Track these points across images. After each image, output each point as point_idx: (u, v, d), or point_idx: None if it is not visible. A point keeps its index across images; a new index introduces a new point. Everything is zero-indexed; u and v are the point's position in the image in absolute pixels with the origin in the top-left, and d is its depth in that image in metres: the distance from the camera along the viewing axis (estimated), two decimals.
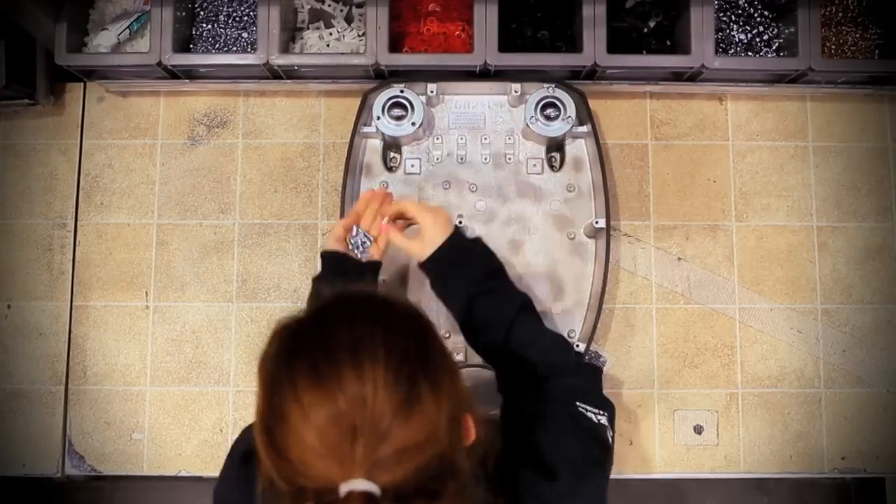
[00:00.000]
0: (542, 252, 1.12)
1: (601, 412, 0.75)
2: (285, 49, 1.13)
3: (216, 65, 1.12)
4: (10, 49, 1.07)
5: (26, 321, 1.15)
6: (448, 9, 1.17)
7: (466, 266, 0.90)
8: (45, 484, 1.19)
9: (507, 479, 0.65)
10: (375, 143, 1.14)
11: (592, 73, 1.12)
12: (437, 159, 1.14)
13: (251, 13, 1.19)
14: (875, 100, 1.19)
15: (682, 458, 1.12)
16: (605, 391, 1.11)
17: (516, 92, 1.12)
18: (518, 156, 1.15)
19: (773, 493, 1.28)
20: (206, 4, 1.20)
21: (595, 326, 1.08)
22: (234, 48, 1.18)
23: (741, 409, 1.13)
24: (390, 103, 1.09)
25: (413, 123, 1.08)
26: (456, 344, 1.09)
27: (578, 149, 1.15)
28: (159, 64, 1.08)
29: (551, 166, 1.15)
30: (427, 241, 0.90)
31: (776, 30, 1.19)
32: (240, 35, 1.19)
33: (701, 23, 1.08)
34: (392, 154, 1.15)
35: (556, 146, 1.15)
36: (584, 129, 1.11)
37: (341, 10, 1.20)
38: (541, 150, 1.15)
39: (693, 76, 1.13)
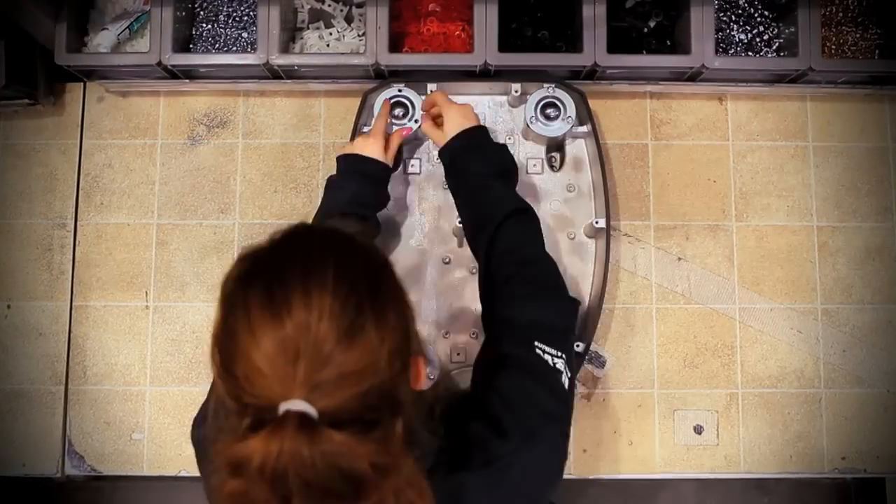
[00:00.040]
0: None
1: (559, 353, 0.75)
2: (285, 49, 1.13)
3: (216, 65, 1.12)
4: (10, 49, 1.07)
5: (26, 321, 1.15)
6: (448, 9, 1.17)
7: (474, 159, 0.94)
8: (44, 484, 1.19)
9: (458, 430, 0.66)
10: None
11: (592, 73, 1.12)
12: (438, 159, 1.14)
13: (251, 13, 1.19)
14: (875, 100, 1.19)
15: (682, 458, 1.12)
16: (605, 391, 1.12)
17: (516, 92, 1.12)
18: (518, 156, 1.15)
19: (773, 494, 1.28)
20: (206, 4, 1.20)
21: (595, 326, 1.08)
22: (234, 48, 1.18)
23: (741, 409, 1.13)
24: (391, 103, 1.09)
25: (416, 121, 1.08)
26: (456, 343, 1.09)
27: (578, 149, 1.15)
28: (159, 64, 1.08)
29: (551, 166, 1.15)
30: (447, 129, 0.97)
31: (776, 30, 1.19)
32: (240, 35, 1.19)
33: (701, 23, 1.08)
34: None
35: (556, 146, 1.15)
36: (584, 129, 1.11)
37: (341, 10, 1.20)
38: (541, 150, 1.15)
39: (693, 76, 1.13)
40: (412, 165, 1.14)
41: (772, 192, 1.17)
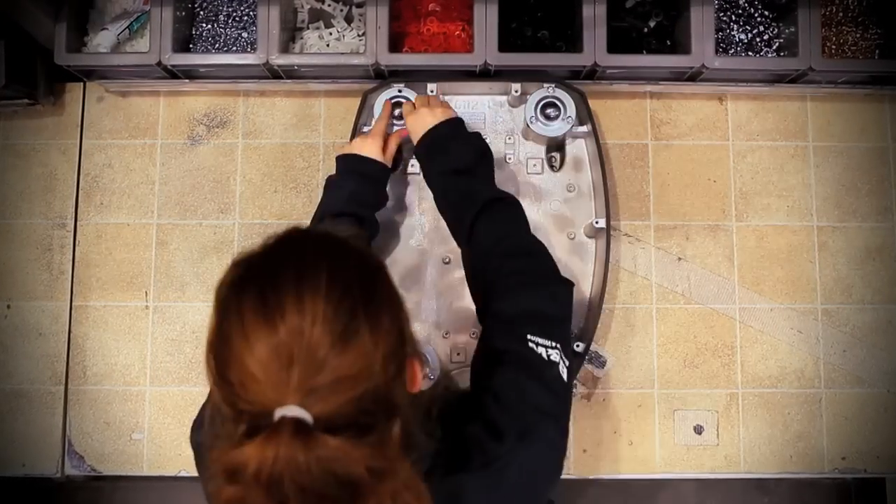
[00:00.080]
0: None
1: (553, 344, 0.74)
2: (285, 49, 1.13)
3: (216, 65, 1.12)
4: (10, 49, 1.07)
5: (26, 321, 1.15)
6: (448, 9, 1.17)
7: (436, 158, 0.95)
8: (44, 484, 1.19)
9: (456, 431, 0.66)
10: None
11: (592, 73, 1.12)
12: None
13: (251, 13, 1.19)
14: (875, 100, 1.19)
15: (682, 458, 1.11)
16: (605, 391, 1.12)
17: (516, 92, 1.12)
18: (518, 156, 1.15)
19: (773, 494, 1.28)
20: (205, 4, 1.20)
21: (595, 326, 1.08)
22: (234, 48, 1.18)
23: (741, 410, 1.12)
24: (392, 103, 1.09)
25: None
26: (456, 343, 1.09)
27: (578, 149, 1.15)
28: (159, 64, 1.08)
29: (551, 166, 1.15)
30: (417, 128, 0.99)
31: (776, 30, 1.18)
32: (240, 35, 1.19)
33: (701, 23, 1.08)
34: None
35: (556, 146, 1.15)
36: (584, 129, 1.11)
37: (341, 10, 1.20)
38: (541, 150, 1.15)
39: (693, 76, 1.13)
40: (412, 165, 1.14)
41: (772, 192, 1.17)
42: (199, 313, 1.15)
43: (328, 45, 1.18)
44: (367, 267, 0.58)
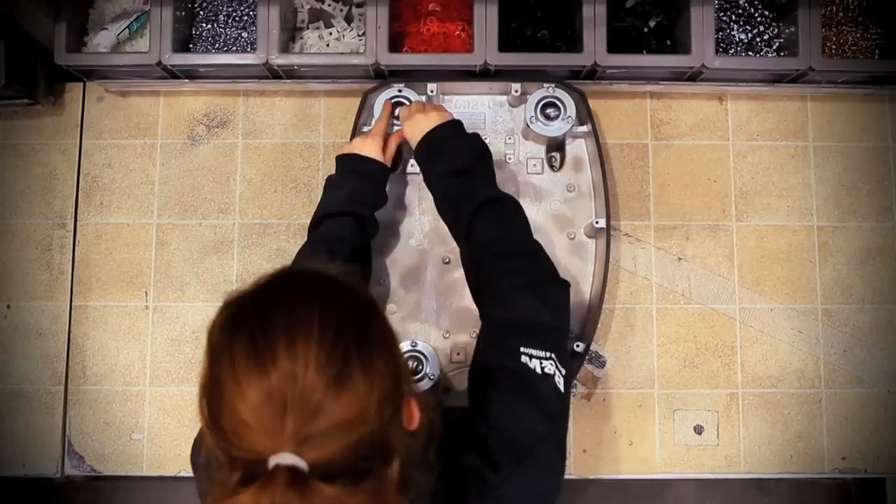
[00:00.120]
0: None
1: (547, 354, 0.73)
2: (285, 49, 1.13)
3: (216, 65, 1.12)
4: (9, 49, 1.07)
5: (26, 321, 1.15)
6: (448, 8, 1.17)
7: (436, 160, 0.95)
8: (44, 484, 1.19)
9: (453, 460, 0.65)
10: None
11: (592, 73, 1.12)
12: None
13: (251, 13, 1.19)
14: (875, 99, 1.19)
15: (683, 458, 1.11)
16: (605, 391, 1.12)
17: (516, 92, 1.12)
18: (518, 156, 1.15)
19: (773, 494, 1.28)
20: (205, 4, 1.20)
21: (595, 326, 1.08)
22: (234, 48, 1.18)
23: (741, 410, 1.12)
24: (392, 103, 1.09)
25: None
26: (456, 343, 1.09)
27: (578, 149, 1.15)
28: (159, 64, 1.08)
29: (551, 166, 1.15)
30: (414, 133, 0.98)
31: (776, 29, 1.18)
32: (239, 35, 1.19)
33: (701, 22, 1.08)
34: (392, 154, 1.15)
35: (556, 146, 1.15)
36: (584, 128, 1.11)
37: (341, 10, 1.20)
38: (541, 150, 1.15)
39: (693, 76, 1.13)
40: (412, 165, 1.14)
41: (772, 192, 1.17)
42: (199, 313, 1.15)
43: (328, 45, 1.18)
44: (360, 308, 0.57)
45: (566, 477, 1.10)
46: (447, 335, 1.10)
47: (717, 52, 1.10)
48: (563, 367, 0.74)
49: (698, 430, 1.12)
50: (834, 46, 1.18)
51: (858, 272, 1.16)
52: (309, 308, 0.53)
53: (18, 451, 1.12)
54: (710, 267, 1.16)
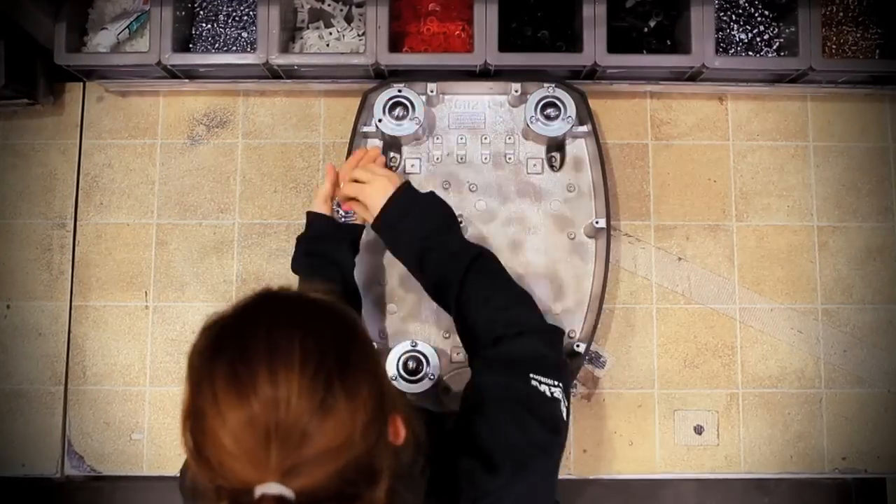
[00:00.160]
0: (543, 252, 1.12)
1: (556, 383, 0.74)
2: (285, 49, 1.13)
3: (216, 64, 1.12)
4: (9, 49, 1.07)
5: (26, 321, 1.15)
6: (448, 8, 1.17)
7: (408, 225, 0.90)
8: (44, 484, 1.19)
9: (447, 466, 0.65)
10: (375, 143, 1.14)
11: (592, 73, 1.12)
12: (437, 159, 1.14)
13: (251, 13, 1.19)
14: (876, 99, 1.19)
15: (683, 458, 1.11)
16: (605, 391, 1.12)
17: (516, 92, 1.12)
18: (518, 156, 1.15)
19: (773, 494, 1.28)
20: (205, 4, 1.20)
21: (595, 326, 1.08)
22: (234, 48, 1.18)
23: (741, 410, 1.12)
24: (391, 104, 1.09)
25: (416, 123, 1.08)
26: (456, 344, 1.09)
27: (578, 149, 1.15)
28: (159, 64, 1.08)
29: (551, 166, 1.15)
30: (371, 207, 0.92)
31: (777, 29, 1.18)
32: (239, 35, 1.19)
33: (701, 22, 1.08)
34: (392, 154, 1.15)
35: (556, 146, 1.15)
36: (584, 128, 1.11)
37: (341, 10, 1.20)
38: (541, 150, 1.15)
39: (693, 76, 1.13)
40: (412, 165, 1.14)
41: (772, 192, 1.17)
42: (198, 313, 1.15)
43: (328, 45, 1.18)
44: (342, 331, 0.56)
45: (566, 477, 1.10)
46: (447, 335, 1.10)
47: (717, 51, 1.10)
48: (568, 400, 0.75)
49: (698, 430, 1.12)
50: (834, 46, 1.18)
51: (859, 272, 1.15)
52: (290, 334, 0.52)
53: (18, 451, 1.12)
54: (711, 267, 1.16)
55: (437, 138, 1.14)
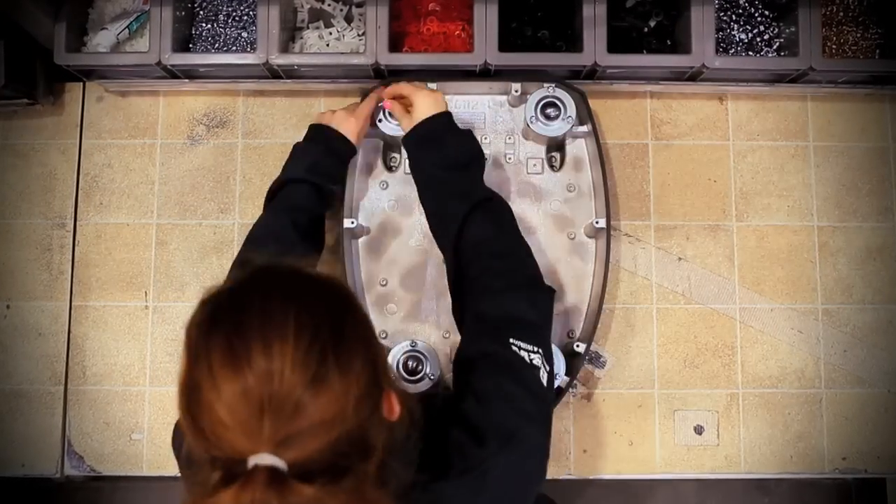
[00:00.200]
0: (543, 252, 1.12)
1: (535, 349, 0.74)
2: (285, 49, 1.13)
3: (216, 64, 1.12)
4: (9, 49, 1.07)
5: (25, 321, 1.15)
6: (448, 8, 1.17)
7: (432, 151, 0.92)
8: (44, 484, 1.19)
9: (438, 440, 0.65)
10: (376, 143, 1.14)
11: (593, 73, 1.12)
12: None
13: (251, 13, 1.19)
14: (876, 99, 1.18)
15: (683, 458, 1.11)
16: (605, 391, 1.12)
17: (516, 92, 1.12)
18: (518, 156, 1.15)
19: (773, 494, 1.28)
20: (205, 4, 1.20)
21: (595, 326, 1.08)
22: (234, 48, 1.18)
23: (742, 410, 1.12)
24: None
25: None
26: (456, 343, 1.09)
27: (578, 149, 1.15)
28: (159, 63, 1.08)
29: (551, 166, 1.15)
30: (416, 115, 0.96)
31: (777, 29, 1.18)
32: (239, 35, 1.19)
33: (701, 22, 1.08)
34: (392, 154, 1.15)
35: (556, 146, 1.15)
36: (584, 128, 1.11)
37: (341, 10, 1.20)
38: (541, 150, 1.15)
39: (693, 76, 1.13)
40: None
41: (772, 192, 1.17)
42: None
43: (328, 45, 1.18)
44: (336, 306, 0.56)
45: (566, 477, 1.10)
46: (447, 335, 1.10)
47: (717, 51, 1.10)
48: (548, 364, 0.75)
49: (698, 430, 1.12)
50: (834, 46, 1.18)
51: (859, 272, 1.15)
52: (284, 307, 0.53)
53: (18, 452, 1.12)
54: (711, 267, 1.15)
55: None
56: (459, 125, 0.96)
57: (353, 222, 1.07)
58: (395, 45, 1.14)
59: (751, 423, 1.12)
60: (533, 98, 1.09)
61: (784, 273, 1.15)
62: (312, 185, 0.96)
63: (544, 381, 0.74)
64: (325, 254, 1.11)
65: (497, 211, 0.88)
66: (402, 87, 1.00)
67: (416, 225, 1.13)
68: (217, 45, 1.19)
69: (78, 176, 1.18)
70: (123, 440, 1.12)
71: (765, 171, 1.18)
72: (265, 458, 0.48)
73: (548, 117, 1.09)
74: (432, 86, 1.10)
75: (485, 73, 1.12)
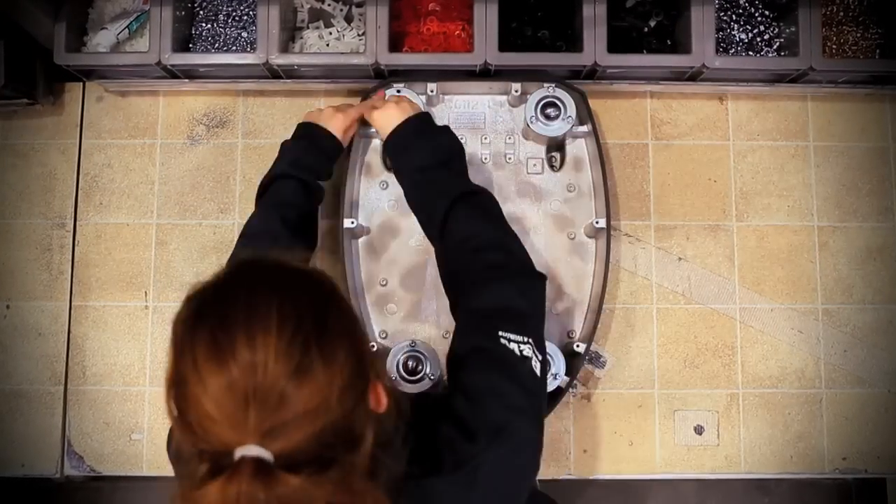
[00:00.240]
0: (543, 252, 1.12)
1: (525, 339, 0.73)
2: (285, 49, 1.13)
3: (215, 64, 1.12)
4: (9, 49, 1.07)
5: (25, 321, 1.15)
6: (448, 8, 1.17)
7: (408, 154, 0.94)
8: (44, 484, 1.19)
9: (428, 434, 0.66)
10: (375, 143, 1.14)
11: (593, 73, 1.12)
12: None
13: (251, 12, 1.19)
14: (876, 99, 1.18)
15: (683, 458, 1.11)
16: (605, 391, 1.12)
17: (516, 91, 1.12)
18: (518, 156, 1.15)
19: (773, 494, 1.28)
20: (205, 4, 1.20)
21: (595, 326, 1.08)
22: (234, 48, 1.18)
23: (742, 410, 1.12)
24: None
25: None
26: None
27: (579, 149, 1.15)
28: (158, 63, 1.08)
29: (551, 166, 1.15)
30: (380, 130, 0.99)
31: (777, 29, 1.18)
32: (239, 34, 1.19)
33: (701, 22, 1.08)
34: None
35: (556, 146, 1.15)
36: (584, 128, 1.11)
37: (341, 10, 1.20)
38: (541, 150, 1.15)
39: (693, 76, 1.13)
40: None
41: (772, 192, 1.17)
42: None
43: (328, 45, 1.18)
44: (319, 297, 0.57)
45: (566, 477, 1.10)
46: (447, 335, 1.10)
47: (717, 51, 1.10)
48: (540, 353, 0.75)
49: (698, 430, 1.12)
50: (834, 46, 1.18)
51: (859, 272, 1.15)
52: (268, 300, 0.53)
53: (18, 452, 1.12)
54: (711, 267, 1.15)
55: None
56: (460, 126, 0.96)
57: (353, 222, 1.07)
58: (395, 45, 1.14)
59: (751, 423, 1.12)
60: (533, 98, 1.09)
61: (784, 273, 1.15)
62: (299, 181, 0.97)
63: (537, 371, 0.73)
64: (325, 254, 1.12)
65: (479, 204, 0.88)
66: (362, 109, 1.02)
67: (415, 225, 1.12)
68: (217, 45, 1.19)
69: (78, 176, 1.18)
70: (123, 440, 1.12)
71: (765, 171, 1.18)
72: (251, 450, 0.49)
73: (548, 117, 1.09)
74: (432, 86, 1.10)
75: (485, 73, 1.12)
